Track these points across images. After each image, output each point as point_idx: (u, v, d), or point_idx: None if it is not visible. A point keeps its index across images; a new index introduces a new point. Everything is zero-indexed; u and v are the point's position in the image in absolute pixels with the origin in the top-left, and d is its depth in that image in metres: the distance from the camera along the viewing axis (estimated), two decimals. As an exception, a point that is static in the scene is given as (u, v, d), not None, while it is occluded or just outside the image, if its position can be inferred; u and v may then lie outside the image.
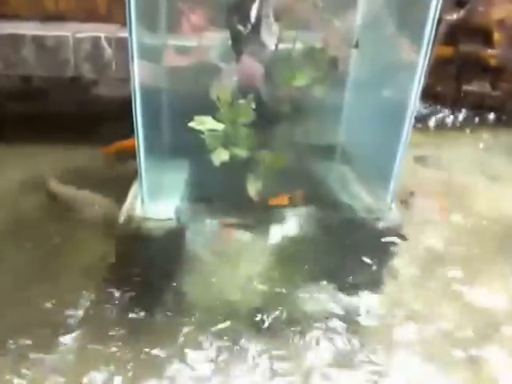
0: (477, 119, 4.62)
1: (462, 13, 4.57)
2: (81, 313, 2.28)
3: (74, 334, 2.15)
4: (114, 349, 2.09)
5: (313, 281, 2.50)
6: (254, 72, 2.61)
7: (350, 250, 2.63)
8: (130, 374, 1.99)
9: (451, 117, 4.64)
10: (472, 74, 4.68)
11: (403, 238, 2.70)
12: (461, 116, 4.66)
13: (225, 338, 2.18)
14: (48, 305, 2.31)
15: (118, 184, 2.83)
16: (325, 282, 2.49)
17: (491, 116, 4.65)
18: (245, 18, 2.59)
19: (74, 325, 2.21)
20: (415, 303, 2.46)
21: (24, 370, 1.96)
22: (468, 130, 4.48)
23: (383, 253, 2.66)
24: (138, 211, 2.53)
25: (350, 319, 2.32)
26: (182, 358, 2.07)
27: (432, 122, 4.55)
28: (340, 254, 2.62)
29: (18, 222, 2.89)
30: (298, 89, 2.61)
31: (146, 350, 2.09)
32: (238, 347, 2.14)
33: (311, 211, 2.69)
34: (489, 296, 2.54)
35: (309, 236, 2.64)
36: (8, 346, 2.07)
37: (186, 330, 2.22)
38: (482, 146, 4.23)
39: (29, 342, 2.10)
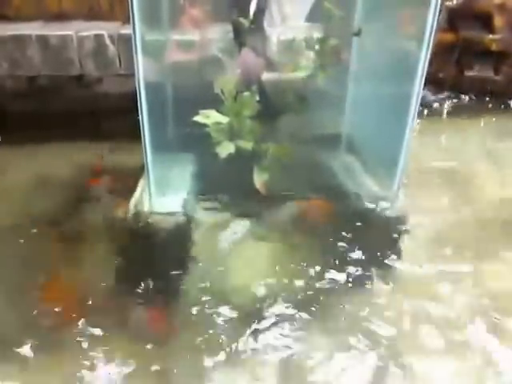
0: (479, 104, 4.60)
1: (461, -2, 4.56)
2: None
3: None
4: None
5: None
6: (254, 65, 2.62)
7: (357, 238, 2.65)
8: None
9: (453, 102, 4.63)
10: (473, 60, 4.66)
11: (410, 224, 2.71)
12: (463, 101, 4.65)
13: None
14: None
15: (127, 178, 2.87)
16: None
17: (494, 101, 4.64)
18: (246, 10, 2.60)
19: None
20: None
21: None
22: (471, 116, 4.47)
23: (391, 240, 2.68)
24: (146, 205, 2.55)
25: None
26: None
27: (434, 109, 4.54)
28: (347, 241, 2.65)
29: (29, 216, 2.92)
30: (301, 79, 2.62)
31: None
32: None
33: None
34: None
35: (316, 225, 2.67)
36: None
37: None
38: (485, 131, 4.22)
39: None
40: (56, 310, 2.28)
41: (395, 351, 2.13)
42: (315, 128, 2.93)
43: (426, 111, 4.39)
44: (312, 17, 2.83)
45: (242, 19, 2.61)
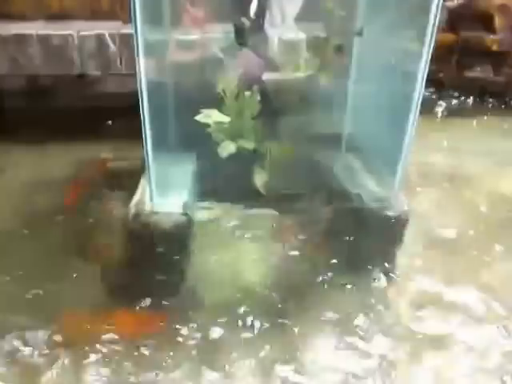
0: (479, 104, 4.62)
1: (462, -2, 4.57)
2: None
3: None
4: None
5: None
6: (256, 65, 2.63)
7: (357, 238, 2.65)
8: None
9: (454, 103, 4.64)
10: (474, 60, 4.67)
11: (411, 224, 2.71)
12: (464, 102, 4.66)
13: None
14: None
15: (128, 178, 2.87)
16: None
17: (494, 101, 4.65)
18: (247, 11, 2.61)
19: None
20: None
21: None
22: (471, 116, 4.48)
23: (392, 240, 2.68)
24: (147, 205, 2.55)
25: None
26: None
27: (435, 109, 4.55)
28: (348, 241, 2.65)
29: (31, 216, 2.92)
30: (302, 79, 2.63)
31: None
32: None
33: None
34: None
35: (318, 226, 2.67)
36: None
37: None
38: (485, 131, 4.23)
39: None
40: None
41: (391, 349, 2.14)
42: (316, 128, 2.93)
43: (426, 111, 4.39)
44: (301, 17, 2.83)
45: (243, 19, 2.61)
